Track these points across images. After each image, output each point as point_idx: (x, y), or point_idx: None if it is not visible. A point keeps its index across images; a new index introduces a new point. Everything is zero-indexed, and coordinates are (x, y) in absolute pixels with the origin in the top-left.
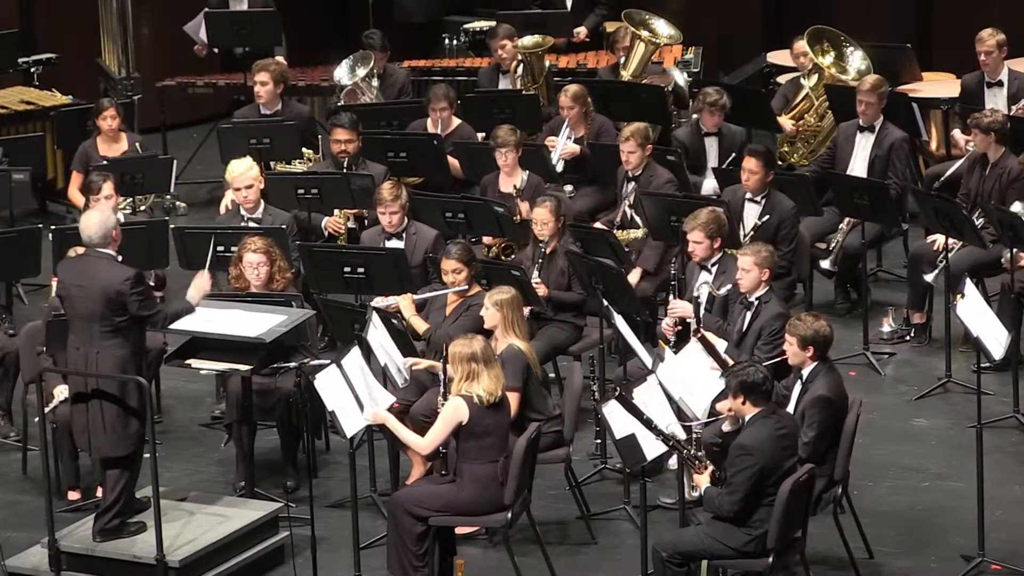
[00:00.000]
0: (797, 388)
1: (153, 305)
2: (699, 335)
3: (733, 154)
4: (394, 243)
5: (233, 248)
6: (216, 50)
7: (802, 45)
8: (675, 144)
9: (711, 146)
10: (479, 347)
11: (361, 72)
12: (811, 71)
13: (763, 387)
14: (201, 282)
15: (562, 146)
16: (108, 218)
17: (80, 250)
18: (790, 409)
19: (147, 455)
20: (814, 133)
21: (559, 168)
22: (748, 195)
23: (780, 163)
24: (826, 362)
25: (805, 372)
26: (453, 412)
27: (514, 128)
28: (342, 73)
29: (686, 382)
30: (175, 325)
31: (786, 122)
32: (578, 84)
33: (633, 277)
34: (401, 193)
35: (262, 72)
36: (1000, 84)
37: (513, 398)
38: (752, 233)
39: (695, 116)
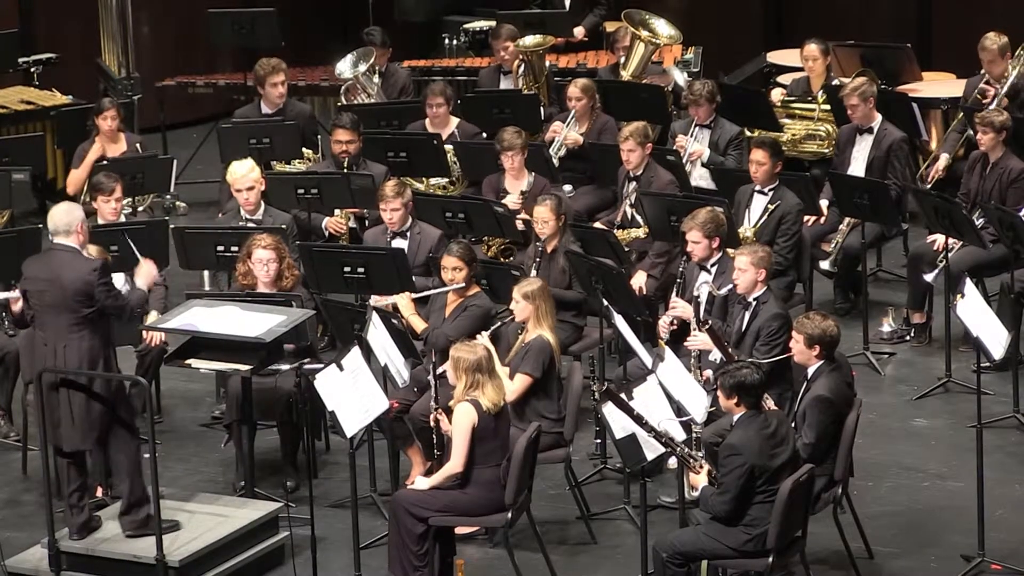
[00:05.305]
0: (802, 387)
1: (119, 297)
2: (708, 326)
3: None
4: (398, 242)
5: (234, 248)
6: None
7: (812, 50)
8: (671, 137)
9: (703, 138)
10: (483, 357)
11: (363, 67)
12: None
13: (757, 391)
14: (148, 269)
15: (563, 136)
16: (74, 211)
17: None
18: (794, 407)
19: (147, 455)
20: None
21: (560, 153)
22: (757, 187)
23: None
24: (832, 362)
25: (810, 371)
26: (466, 419)
27: (519, 130)
28: (344, 67)
29: (679, 389)
30: (172, 324)
31: (775, 93)
32: (588, 78)
33: (637, 280)
34: (404, 191)
35: (280, 73)
36: None
37: (523, 381)
38: (760, 224)
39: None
